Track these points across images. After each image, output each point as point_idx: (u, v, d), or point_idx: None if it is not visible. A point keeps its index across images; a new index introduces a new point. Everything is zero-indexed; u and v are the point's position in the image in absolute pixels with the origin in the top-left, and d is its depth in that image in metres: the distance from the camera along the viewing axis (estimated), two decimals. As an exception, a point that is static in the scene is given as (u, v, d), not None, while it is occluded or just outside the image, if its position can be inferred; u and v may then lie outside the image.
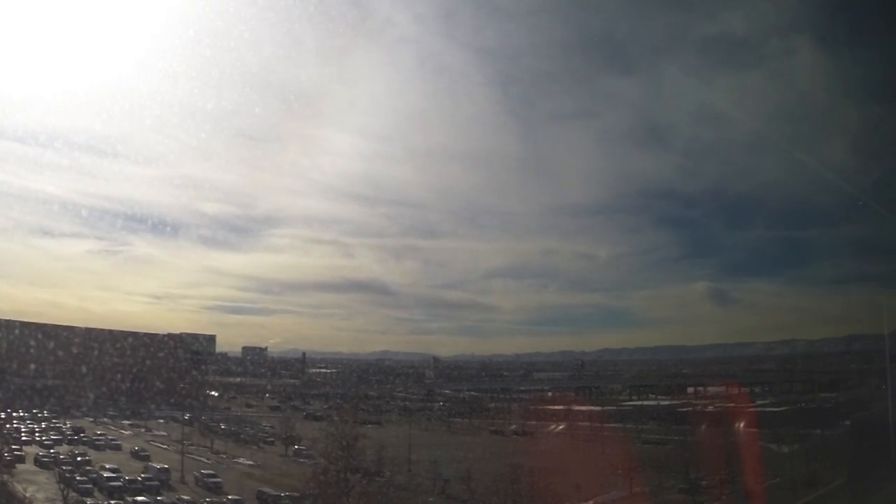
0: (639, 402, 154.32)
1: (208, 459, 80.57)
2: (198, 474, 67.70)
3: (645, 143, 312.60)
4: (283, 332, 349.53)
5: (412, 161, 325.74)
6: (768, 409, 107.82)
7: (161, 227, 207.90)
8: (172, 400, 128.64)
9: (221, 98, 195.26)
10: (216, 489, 63.44)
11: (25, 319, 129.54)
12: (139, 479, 63.21)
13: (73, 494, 54.03)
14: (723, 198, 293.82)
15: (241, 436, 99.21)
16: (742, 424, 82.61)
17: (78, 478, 60.55)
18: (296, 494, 57.81)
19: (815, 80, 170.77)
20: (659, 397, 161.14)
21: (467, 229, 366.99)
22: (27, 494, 53.72)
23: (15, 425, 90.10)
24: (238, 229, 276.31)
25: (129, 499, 55.98)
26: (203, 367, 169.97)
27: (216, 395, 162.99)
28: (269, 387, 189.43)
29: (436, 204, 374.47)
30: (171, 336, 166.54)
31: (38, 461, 69.36)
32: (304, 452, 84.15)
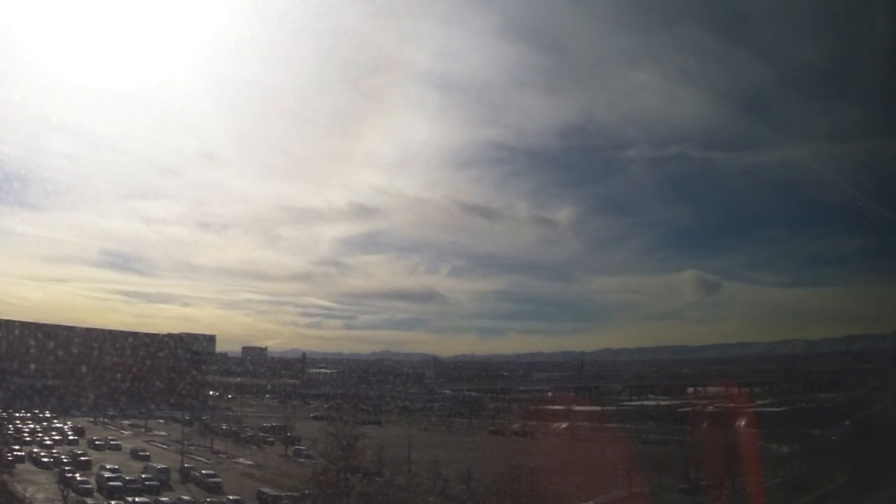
0: (639, 403, 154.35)
1: (208, 459, 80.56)
2: (198, 474, 67.67)
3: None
4: (212, 324, 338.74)
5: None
6: (768, 409, 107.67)
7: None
8: (172, 400, 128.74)
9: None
10: (216, 489, 63.40)
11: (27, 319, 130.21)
12: (139, 478, 63.16)
13: (72, 494, 53.93)
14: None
15: (241, 436, 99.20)
16: (742, 424, 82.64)
17: (78, 478, 60.50)
18: (296, 494, 57.63)
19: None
20: (659, 397, 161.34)
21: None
22: (27, 494, 53.65)
23: (17, 425, 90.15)
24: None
25: (129, 499, 55.87)
26: (203, 367, 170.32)
27: (216, 394, 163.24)
28: (269, 387, 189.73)
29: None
30: (170, 336, 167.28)
31: (37, 461, 69.32)
32: (303, 452, 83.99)
